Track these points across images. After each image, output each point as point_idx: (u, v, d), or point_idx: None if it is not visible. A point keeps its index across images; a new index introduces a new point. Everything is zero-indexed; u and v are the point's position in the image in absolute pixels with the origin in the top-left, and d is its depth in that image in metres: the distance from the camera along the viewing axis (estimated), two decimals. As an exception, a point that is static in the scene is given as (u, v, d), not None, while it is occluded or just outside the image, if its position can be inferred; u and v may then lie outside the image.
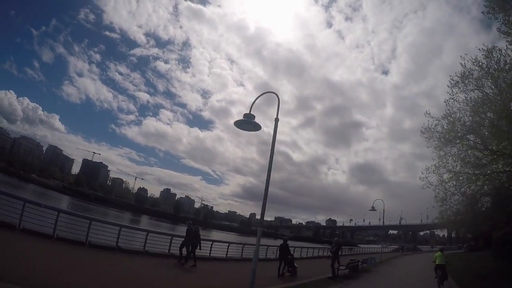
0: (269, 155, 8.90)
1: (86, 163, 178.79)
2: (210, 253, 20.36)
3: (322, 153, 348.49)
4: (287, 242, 18.24)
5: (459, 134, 22.00)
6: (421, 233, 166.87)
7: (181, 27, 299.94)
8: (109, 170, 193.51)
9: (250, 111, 8.94)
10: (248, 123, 9.05)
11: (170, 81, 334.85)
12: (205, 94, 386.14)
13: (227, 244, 22.69)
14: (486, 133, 21.11)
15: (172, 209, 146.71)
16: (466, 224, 23.09)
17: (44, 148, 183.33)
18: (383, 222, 34.65)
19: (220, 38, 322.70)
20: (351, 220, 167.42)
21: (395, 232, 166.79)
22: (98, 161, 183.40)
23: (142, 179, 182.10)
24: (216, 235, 67.30)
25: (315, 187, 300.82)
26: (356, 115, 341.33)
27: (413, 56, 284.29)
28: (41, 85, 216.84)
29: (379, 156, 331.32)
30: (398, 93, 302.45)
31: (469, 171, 21.47)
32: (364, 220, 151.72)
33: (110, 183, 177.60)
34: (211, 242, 21.11)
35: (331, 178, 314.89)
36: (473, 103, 21.85)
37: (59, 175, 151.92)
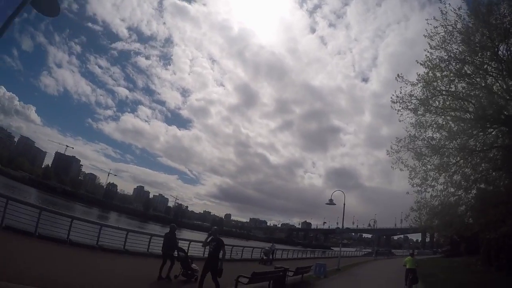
0: None
1: (58, 156, 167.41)
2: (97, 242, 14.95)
3: (299, 157, 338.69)
4: (175, 232, 12.41)
5: (442, 100, 15.86)
6: (395, 237, 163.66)
7: (164, 23, 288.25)
8: (82, 165, 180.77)
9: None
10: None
11: (150, 77, 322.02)
12: (184, 93, 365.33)
13: (126, 232, 16.93)
14: (479, 92, 14.89)
15: (142, 207, 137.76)
16: (456, 221, 16.53)
17: (16, 139, 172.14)
18: (343, 214, 27.73)
19: (203, 37, 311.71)
20: (324, 223, 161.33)
21: (369, 236, 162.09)
22: (71, 155, 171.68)
23: (115, 175, 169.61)
24: (185, 234, 59.56)
25: (291, 190, 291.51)
26: (334, 120, 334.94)
27: (393, 66, 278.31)
28: (19, 75, 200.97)
29: (356, 161, 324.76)
30: (376, 101, 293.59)
31: (457, 145, 15.16)
32: (337, 223, 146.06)
33: (82, 178, 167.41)
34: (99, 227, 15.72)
35: (308, 181, 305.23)
36: (460, 62, 15.68)
37: (28, 167, 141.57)
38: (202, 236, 72.36)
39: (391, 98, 16.95)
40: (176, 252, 12.10)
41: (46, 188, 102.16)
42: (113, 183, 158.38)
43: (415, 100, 16.27)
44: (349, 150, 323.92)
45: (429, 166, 15.46)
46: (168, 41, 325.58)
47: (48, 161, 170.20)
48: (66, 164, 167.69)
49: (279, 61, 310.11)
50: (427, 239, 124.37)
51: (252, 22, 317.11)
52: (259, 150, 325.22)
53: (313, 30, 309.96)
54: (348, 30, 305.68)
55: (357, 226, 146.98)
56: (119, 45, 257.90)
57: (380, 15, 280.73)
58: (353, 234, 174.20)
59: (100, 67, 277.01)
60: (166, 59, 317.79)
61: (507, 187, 15.79)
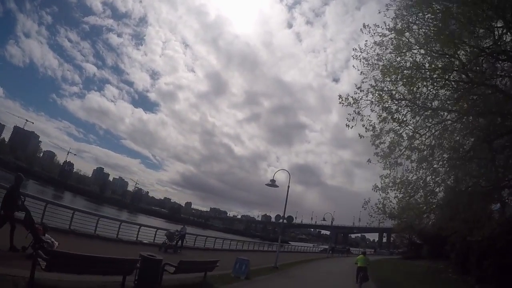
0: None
1: (16, 130, 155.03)
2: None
3: (264, 150, 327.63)
4: (19, 184, 9.32)
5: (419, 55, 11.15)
6: (353, 236, 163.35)
7: (141, 1, 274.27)
8: (40, 141, 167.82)
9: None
10: None
11: (120, 56, 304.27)
12: (154, 75, 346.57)
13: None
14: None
15: (98, 189, 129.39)
16: (433, 213, 11.70)
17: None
18: (286, 198, 22.33)
19: (178, 20, 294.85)
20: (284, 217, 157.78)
21: (327, 232, 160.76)
22: (30, 130, 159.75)
23: (75, 154, 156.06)
24: (141, 219, 57.38)
25: (253, 182, 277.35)
26: (301, 117, 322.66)
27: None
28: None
29: (319, 159, 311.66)
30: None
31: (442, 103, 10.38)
32: (296, 218, 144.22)
33: (41, 155, 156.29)
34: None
35: (270, 175, 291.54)
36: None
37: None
38: (158, 222, 68.39)
39: (353, 51, 12.19)
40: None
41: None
42: (70, 162, 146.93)
43: (388, 46, 11.42)
44: (314, 148, 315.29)
45: (402, 124, 10.57)
46: (143, 21, 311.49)
47: (6, 135, 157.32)
48: (24, 139, 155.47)
49: (253, 53, 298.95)
50: (384, 239, 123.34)
51: (230, 10, 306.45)
52: (224, 140, 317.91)
53: (290, 26, 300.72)
54: (325, 30, 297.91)
55: (316, 222, 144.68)
56: (91, 19, 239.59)
57: (358, 18, 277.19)
58: (312, 230, 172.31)
59: (70, 40, 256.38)
60: (139, 39, 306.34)
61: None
